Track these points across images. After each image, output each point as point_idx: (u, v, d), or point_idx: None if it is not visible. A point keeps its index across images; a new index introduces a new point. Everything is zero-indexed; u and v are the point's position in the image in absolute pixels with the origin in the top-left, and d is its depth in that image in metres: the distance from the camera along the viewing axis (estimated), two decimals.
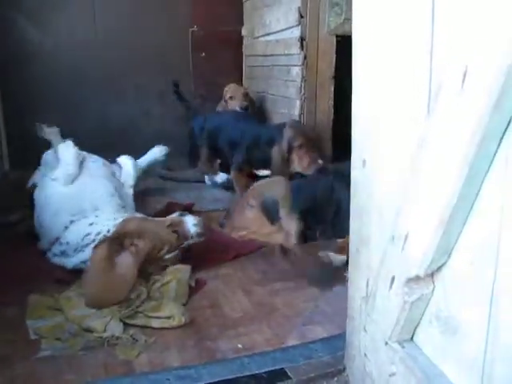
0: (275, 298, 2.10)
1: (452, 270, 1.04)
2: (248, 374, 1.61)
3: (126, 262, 2.04)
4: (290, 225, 2.13)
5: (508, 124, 0.83)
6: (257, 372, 1.61)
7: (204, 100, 4.40)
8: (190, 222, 2.27)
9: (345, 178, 2.25)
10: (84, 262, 2.15)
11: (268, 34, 3.80)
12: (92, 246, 2.13)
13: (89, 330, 1.83)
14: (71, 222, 2.35)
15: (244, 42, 4.41)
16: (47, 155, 2.89)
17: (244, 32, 4.37)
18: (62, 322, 1.88)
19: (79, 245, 2.25)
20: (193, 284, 2.17)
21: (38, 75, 3.97)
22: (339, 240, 2.29)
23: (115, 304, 1.95)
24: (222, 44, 4.38)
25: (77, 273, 2.17)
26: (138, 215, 2.39)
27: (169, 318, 1.88)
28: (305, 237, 2.18)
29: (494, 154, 0.88)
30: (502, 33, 0.78)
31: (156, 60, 4.24)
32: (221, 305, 2.05)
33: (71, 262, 2.26)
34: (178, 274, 2.16)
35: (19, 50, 3.91)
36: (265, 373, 1.61)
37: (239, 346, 1.77)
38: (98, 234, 2.24)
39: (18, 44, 3.90)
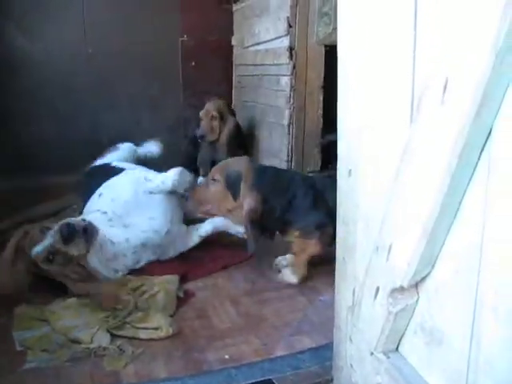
0: (263, 308, 2.10)
1: (436, 281, 1.04)
2: None
3: None
4: (247, 200, 2.16)
5: (488, 134, 0.84)
6: (244, 383, 1.61)
7: (193, 109, 4.39)
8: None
9: (308, 179, 2.37)
10: None
11: (257, 44, 3.81)
12: None
13: (76, 341, 1.82)
14: (104, 213, 2.37)
15: (234, 51, 4.41)
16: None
17: (234, 41, 4.37)
18: (49, 333, 1.87)
19: None
20: (181, 295, 2.16)
21: (28, 84, 3.95)
22: (291, 255, 2.35)
23: None
24: (212, 53, 4.38)
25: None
26: None
27: (156, 329, 1.88)
28: (262, 218, 2.20)
29: (476, 164, 0.88)
30: (482, 45, 0.79)
31: (146, 69, 4.23)
32: (209, 315, 2.04)
33: None
34: (166, 285, 2.15)
35: (9, 59, 3.89)
36: None
37: (226, 356, 1.76)
38: None
39: (8, 52, 3.88)
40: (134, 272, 2.33)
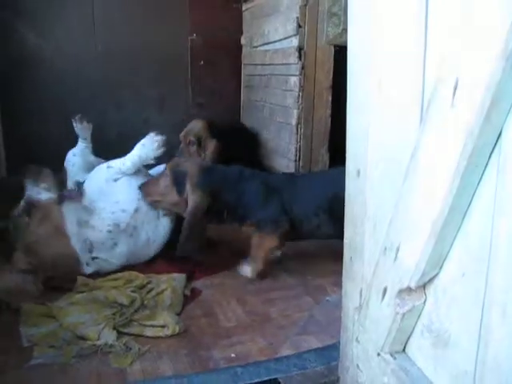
0: (269, 307, 2.10)
1: (443, 282, 1.04)
2: (241, 383, 1.60)
3: None
4: (192, 198, 2.27)
5: (498, 137, 0.84)
6: (250, 382, 1.61)
7: (202, 108, 4.40)
8: None
9: (260, 175, 2.43)
10: None
11: (266, 44, 3.81)
12: None
13: (82, 338, 1.82)
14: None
15: (243, 50, 4.41)
16: (74, 156, 3.05)
17: (243, 41, 4.37)
18: (56, 330, 1.88)
19: None
20: (188, 293, 2.17)
21: (37, 82, 3.97)
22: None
23: None
24: (221, 52, 4.38)
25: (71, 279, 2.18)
26: None
27: (163, 326, 1.88)
28: (213, 215, 2.34)
29: (485, 166, 0.88)
30: (492, 49, 0.79)
31: (155, 68, 4.24)
32: (215, 314, 2.05)
33: None
34: (172, 283, 2.16)
35: (19, 57, 3.91)
36: (258, 383, 1.61)
37: (232, 355, 1.76)
38: None
39: (18, 51, 3.90)
40: (139, 269, 2.34)
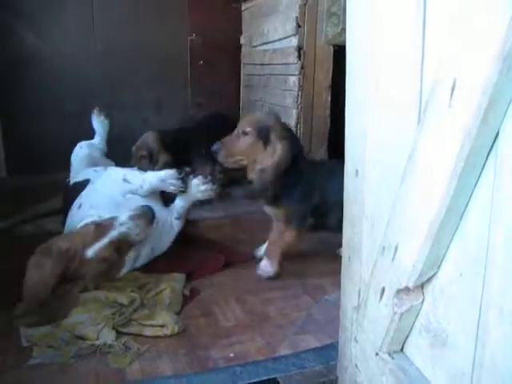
0: (268, 306, 2.10)
1: (441, 282, 1.04)
2: (240, 383, 1.61)
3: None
4: (279, 147, 2.24)
5: (495, 138, 0.84)
6: (249, 381, 1.62)
7: (201, 108, 4.40)
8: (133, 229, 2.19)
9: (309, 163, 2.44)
10: None
11: (266, 43, 3.82)
12: None
13: (81, 338, 1.82)
14: (91, 216, 2.34)
15: (242, 50, 4.42)
16: (80, 148, 3.03)
17: (242, 40, 4.38)
18: (55, 330, 1.87)
19: None
20: (187, 293, 2.17)
21: (36, 82, 3.99)
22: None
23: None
24: (221, 52, 4.39)
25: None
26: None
27: (162, 326, 1.88)
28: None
29: (483, 167, 0.88)
30: (489, 51, 0.79)
31: (154, 68, 4.25)
32: (214, 314, 2.05)
33: None
34: (172, 283, 2.16)
35: (18, 57, 3.93)
36: (257, 382, 1.61)
37: (231, 355, 1.77)
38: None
39: (17, 51, 3.92)
40: (139, 270, 2.34)
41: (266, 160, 2.26)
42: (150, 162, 3.36)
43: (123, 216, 2.17)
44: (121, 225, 2.15)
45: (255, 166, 2.31)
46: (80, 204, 2.48)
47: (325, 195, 2.27)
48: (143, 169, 3.06)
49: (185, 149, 3.54)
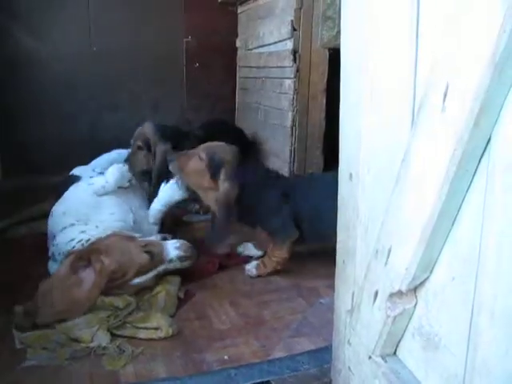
0: (263, 309, 2.11)
1: (434, 286, 1.05)
2: None
3: (88, 278, 1.97)
4: (224, 186, 2.28)
5: (487, 143, 0.85)
6: None
7: (197, 111, 4.41)
8: (171, 245, 2.22)
9: (282, 180, 2.50)
10: None
11: (261, 46, 3.82)
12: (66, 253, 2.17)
13: (76, 340, 1.82)
14: (71, 224, 2.37)
15: (238, 53, 4.42)
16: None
17: (238, 43, 4.38)
18: (49, 332, 1.87)
19: (64, 249, 2.26)
20: (182, 296, 2.17)
21: (31, 84, 3.98)
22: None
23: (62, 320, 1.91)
24: (216, 55, 4.39)
25: None
26: (123, 232, 2.32)
27: (156, 329, 1.89)
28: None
29: (475, 172, 0.89)
30: (481, 56, 0.80)
31: (149, 70, 4.25)
32: (208, 316, 2.05)
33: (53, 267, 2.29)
34: (167, 285, 2.16)
35: (14, 58, 3.92)
36: None
37: (226, 357, 1.77)
38: (80, 241, 2.25)
39: (13, 53, 3.91)
40: None
41: (209, 193, 2.36)
42: (148, 153, 3.28)
43: (173, 253, 2.20)
44: (169, 262, 2.20)
45: (204, 195, 2.40)
46: (64, 212, 2.50)
47: (296, 206, 2.34)
48: (139, 160, 3.15)
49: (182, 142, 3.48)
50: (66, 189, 2.64)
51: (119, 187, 2.64)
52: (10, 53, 3.90)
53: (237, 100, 4.50)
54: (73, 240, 2.27)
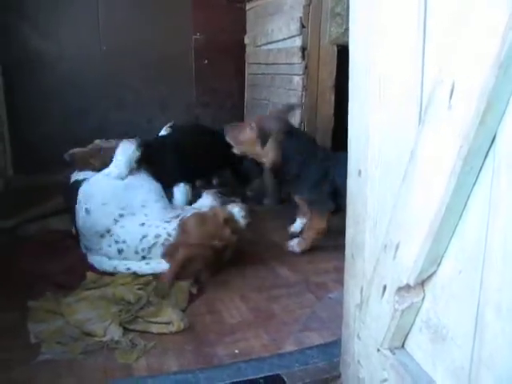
0: (273, 304, 2.13)
1: (441, 279, 1.06)
2: (244, 379, 1.64)
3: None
4: (271, 154, 2.55)
5: (493, 140, 0.86)
6: (253, 377, 1.64)
7: (206, 108, 4.43)
8: (239, 214, 2.46)
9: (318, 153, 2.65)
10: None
11: (270, 43, 3.83)
12: (154, 249, 2.32)
13: (89, 334, 1.86)
14: (120, 215, 2.42)
15: (246, 50, 4.43)
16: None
17: (247, 40, 4.39)
18: (63, 326, 1.91)
19: (139, 247, 2.34)
20: (194, 291, 2.19)
21: (42, 83, 4.01)
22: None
23: None
24: (225, 52, 4.40)
25: (76, 277, 2.21)
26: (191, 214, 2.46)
27: (168, 323, 1.91)
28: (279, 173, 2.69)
29: (481, 168, 0.91)
30: (486, 56, 0.81)
31: (159, 67, 4.27)
32: (219, 311, 2.07)
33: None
34: (179, 281, 2.18)
35: (24, 59, 3.95)
36: (261, 378, 1.63)
37: (236, 351, 1.79)
38: (157, 236, 2.34)
39: (23, 52, 3.94)
40: None
41: (260, 156, 2.63)
42: None
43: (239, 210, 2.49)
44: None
45: (258, 158, 2.69)
46: (87, 208, 2.51)
47: (335, 182, 2.51)
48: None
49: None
50: (75, 190, 2.64)
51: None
52: (20, 53, 3.93)
53: (246, 97, 4.51)
54: (146, 237, 2.35)
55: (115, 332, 1.85)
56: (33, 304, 2.02)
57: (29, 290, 2.15)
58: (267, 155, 2.57)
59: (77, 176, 2.83)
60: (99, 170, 2.76)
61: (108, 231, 2.39)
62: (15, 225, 2.95)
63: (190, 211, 2.51)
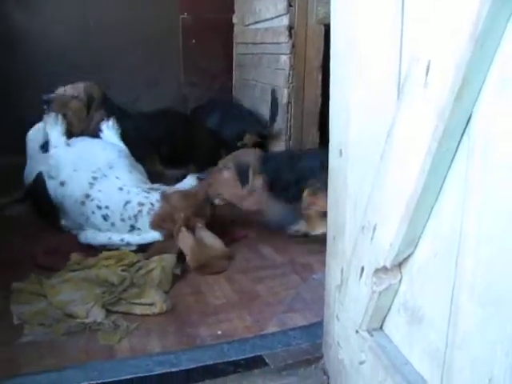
0: (257, 285, 2.13)
1: (418, 262, 1.06)
2: (227, 360, 1.64)
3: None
4: (258, 184, 2.44)
5: (468, 120, 0.85)
6: (235, 358, 1.64)
7: (193, 88, 4.39)
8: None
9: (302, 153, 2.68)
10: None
11: (258, 22, 3.79)
12: (141, 219, 2.34)
13: (71, 316, 1.85)
14: (94, 178, 2.45)
15: (235, 29, 4.39)
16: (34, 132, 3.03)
17: (235, 19, 4.34)
18: (46, 308, 1.90)
19: (124, 215, 2.35)
20: (178, 272, 2.18)
21: (25, 60, 3.96)
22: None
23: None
24: (213, 31, 4.36)
25: (61, 259, 2.20)
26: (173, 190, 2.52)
27: (151, 304, 1.91)
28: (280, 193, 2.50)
29: (456, 149, 0.90)
30: (462, 30, 0.79)
31: (146, 47, 4.22)
32: (203, 292, 2.08)
33: (113, 238, 2.40)
34: (162, 262, 2.17)
35: (7, 34, 3.89)
36: (243, 359, 1.64)
37: (219, 332, 1.80)
38: (141, 204, 2.36)
39: (6, 28, 3.88)
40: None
41: (246, 199, 2.48)
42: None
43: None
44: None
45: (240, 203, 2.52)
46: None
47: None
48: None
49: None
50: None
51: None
52: (2, 29, 3.87)
53: (234, 77, 4.48)
54: (129, 203, 2.37)
55: (98, 314, 1.85)
56: (16, 285, 2.01)
57: (13, 270, 2.14)
58: (256, 186, 2.44)
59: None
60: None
61: (87, 196, 2.41)
62: (3, 205, 2.93)
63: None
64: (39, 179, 2.69)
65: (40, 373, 1.57)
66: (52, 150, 2.70)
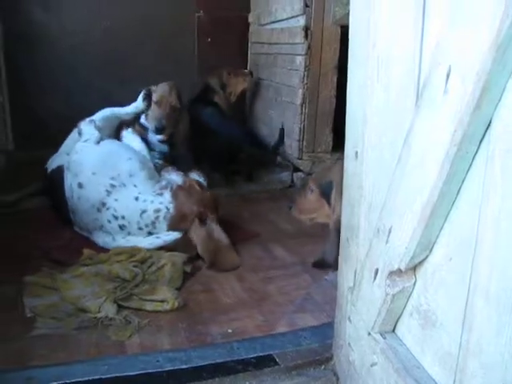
0: (268, 284, 2.14)
1: (432, 265, 1.06)
2: (237, 358, 1.64)
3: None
4: (337, 208, 2.14)
5: (488, 126, 0.85)
6: (245, 357, 1.65)
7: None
8: (200, 178, 2.65)
9: None
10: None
11: (274, 22, 3.80)
12: (158, 224, 2.35)
13: (83, 310, 1.86)
14: (112, 185, 2.42)
15: (250, 28, 4.39)
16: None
17: (251, 19, 4.35)
18: (58, 302, 1.92)
19: (141, 223, 2.35)
20: (188, 270, 2.19)
21: (43, 58, 3.98)
22: None
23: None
24: (228, 30, 4.36)
25: (73, 253, 2.21)
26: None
27: (162, 301, 1.92)
28: None
29: (475, 154, 0.90)
30: (484, 38, 0.80)
31: (161, 45, 4.23)
32: (214, 290, 2.08)
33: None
34: (172, 258, 2.19)
35: (26, 33, 3.92)
36: (253, 358, 1.64)
37: (229, 330, 1.80)
38: (157, 211, 2.35)
39: (26, 26, 3.91)
40: None
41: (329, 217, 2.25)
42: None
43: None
44: None
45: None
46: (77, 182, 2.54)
47: None
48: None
49: None
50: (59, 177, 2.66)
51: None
52: (22, 27, 3.90)
53: None
54: (145, 212, 2.36)
55: (109, 309, 1.86)
56: (29, 279, 2.03)
57: (26, 264, 2.16)
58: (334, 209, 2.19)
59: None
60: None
61: (103, 204, 2.39)
62: (17, 199, 2.95)
63: (172, 178, 2.57)
64: (58, 172, 2.69)
65: (51, 366, 1.58)
66: (80, 144, 2.69)
